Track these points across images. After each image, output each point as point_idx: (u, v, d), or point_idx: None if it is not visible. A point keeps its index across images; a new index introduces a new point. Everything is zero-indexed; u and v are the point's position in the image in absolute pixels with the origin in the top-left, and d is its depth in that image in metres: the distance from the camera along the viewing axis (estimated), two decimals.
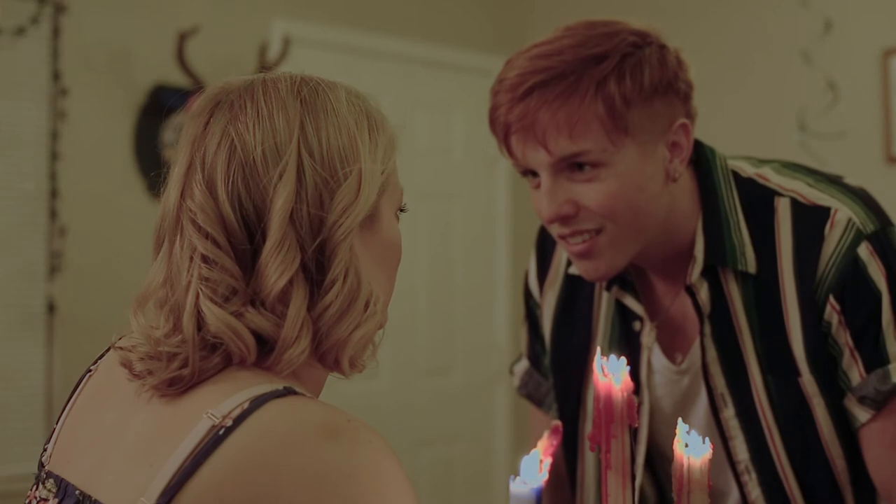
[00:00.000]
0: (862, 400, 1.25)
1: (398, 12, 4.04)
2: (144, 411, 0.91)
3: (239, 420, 0.84)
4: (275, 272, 0.89)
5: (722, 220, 1.30)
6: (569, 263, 1.47)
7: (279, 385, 0.87)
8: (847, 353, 1.25)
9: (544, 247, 1.52)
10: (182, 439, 0.85)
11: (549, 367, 1.54)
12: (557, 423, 1.33)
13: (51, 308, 3.17)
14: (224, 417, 0.84)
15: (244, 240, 0.90)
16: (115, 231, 3.32)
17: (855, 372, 1.25)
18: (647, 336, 1.38)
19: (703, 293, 1.31)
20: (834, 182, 1.32)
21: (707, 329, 1.31)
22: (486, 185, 4.31)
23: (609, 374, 1.19)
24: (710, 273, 1.31)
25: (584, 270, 1.30)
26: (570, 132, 1.21)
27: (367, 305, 0.93)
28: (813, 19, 3.16)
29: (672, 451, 1.37)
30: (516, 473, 1.09)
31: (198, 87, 3.59)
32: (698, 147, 1.34)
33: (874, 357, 1.24)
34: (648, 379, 1.39)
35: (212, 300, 0.89)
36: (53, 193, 3.18)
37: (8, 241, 3.14)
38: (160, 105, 3.37)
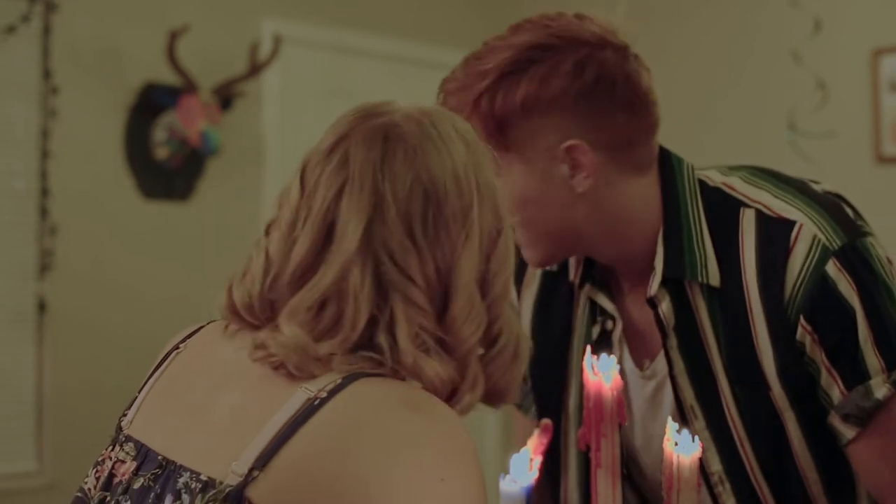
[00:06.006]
0: (846, 418, 1.23)
1: (388, 12, 4.04)
2: (236, 391, 0.96)
3: (333, 392, 0.90)
4: (468, 328, 0.97)
5: (683, 232, 1.27)
6: None
7: (369, 370, 0.94)
8: (825, 372, 1.23)
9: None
10: (276, 411, 0.91)
11: (528, 368, 1.52)
12: (547, 421, 1.33)
13: (41, 307, 3.16)
14: (319, 391, 0.91)
15: (438, 288, 0.96)
16: (106, 229, 3.31)
17: (835, 390, 1.23)
18: (616, 335, 1.36)
19: (665, 306, 1.28)
20: (801, 191, 1.28)
21: (673, 342, 1.29)
22: None
23: (599, 373, 1.19)
24: (675, 285, 1.28)
25: (525, 258, 1.33)
26: None
27: (522, 350, 1.03)
28: (803, 19, 3.15)
29: (639, 454, 1.37)
30: (506, 472, 1.09)
31: (188, 85, 3.57)
32: (664, 156, 1.31)
33: (854, 374, 1.22)
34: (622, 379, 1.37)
35: (421, 349, 0.94)
36: (44, 192, 3.17)
37: None
38: (151, 103, 3.36)
